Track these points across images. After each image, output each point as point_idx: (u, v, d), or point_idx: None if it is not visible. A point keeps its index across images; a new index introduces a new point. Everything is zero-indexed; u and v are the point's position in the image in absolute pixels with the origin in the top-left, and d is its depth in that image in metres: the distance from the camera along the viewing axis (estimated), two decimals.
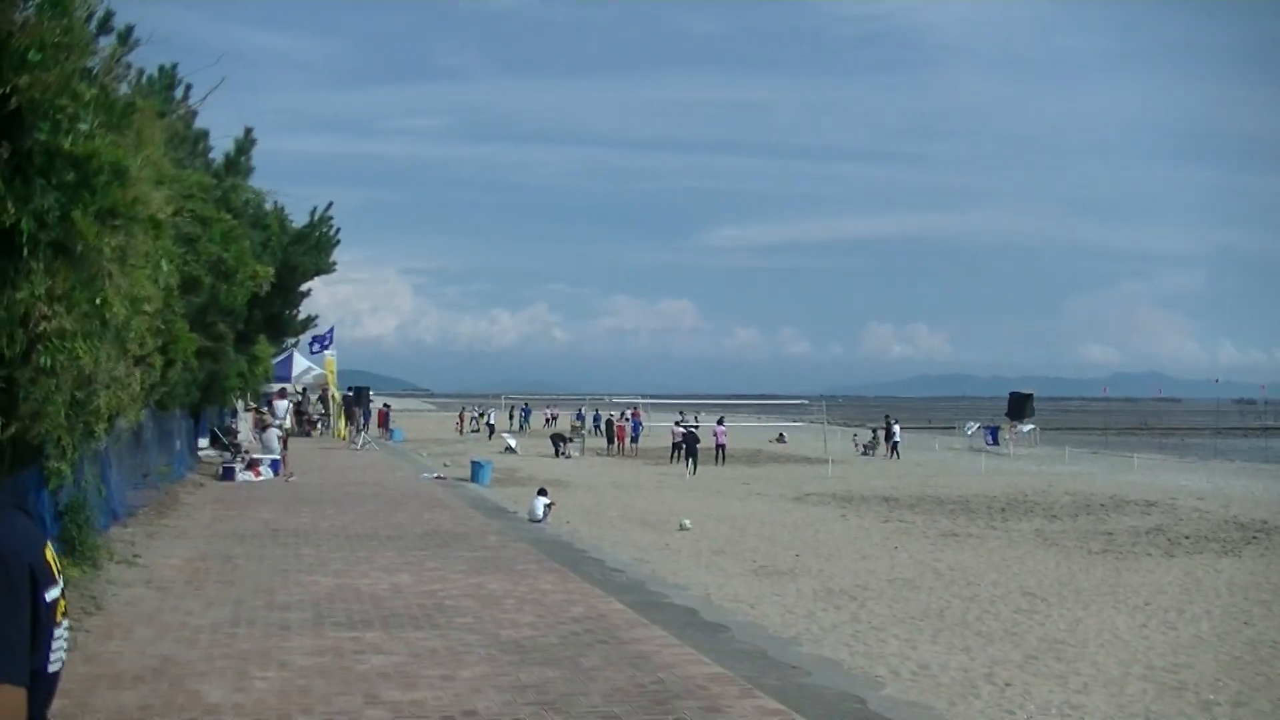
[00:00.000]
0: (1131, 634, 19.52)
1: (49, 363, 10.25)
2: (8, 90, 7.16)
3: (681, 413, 79.08)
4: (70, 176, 7.95)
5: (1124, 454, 74.61)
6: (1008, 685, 15.87)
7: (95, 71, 9.44)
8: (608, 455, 69.33)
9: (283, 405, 45.00)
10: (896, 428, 75.66)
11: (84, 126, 7.84)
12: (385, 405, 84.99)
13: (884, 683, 14.66)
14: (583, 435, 74.06)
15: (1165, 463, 70.92)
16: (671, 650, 13.03)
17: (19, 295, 8.61)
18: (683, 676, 11.70)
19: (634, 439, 72.94)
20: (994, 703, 14.94)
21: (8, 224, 7.36)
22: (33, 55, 7.29)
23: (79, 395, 13.08)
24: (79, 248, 8.79)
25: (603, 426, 79.25)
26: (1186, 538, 32.44)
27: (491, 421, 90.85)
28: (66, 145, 7.70)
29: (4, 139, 7.31)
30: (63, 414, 12.60)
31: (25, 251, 7.70)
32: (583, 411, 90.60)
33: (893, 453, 72.59)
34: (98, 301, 10.22)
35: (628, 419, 76.09)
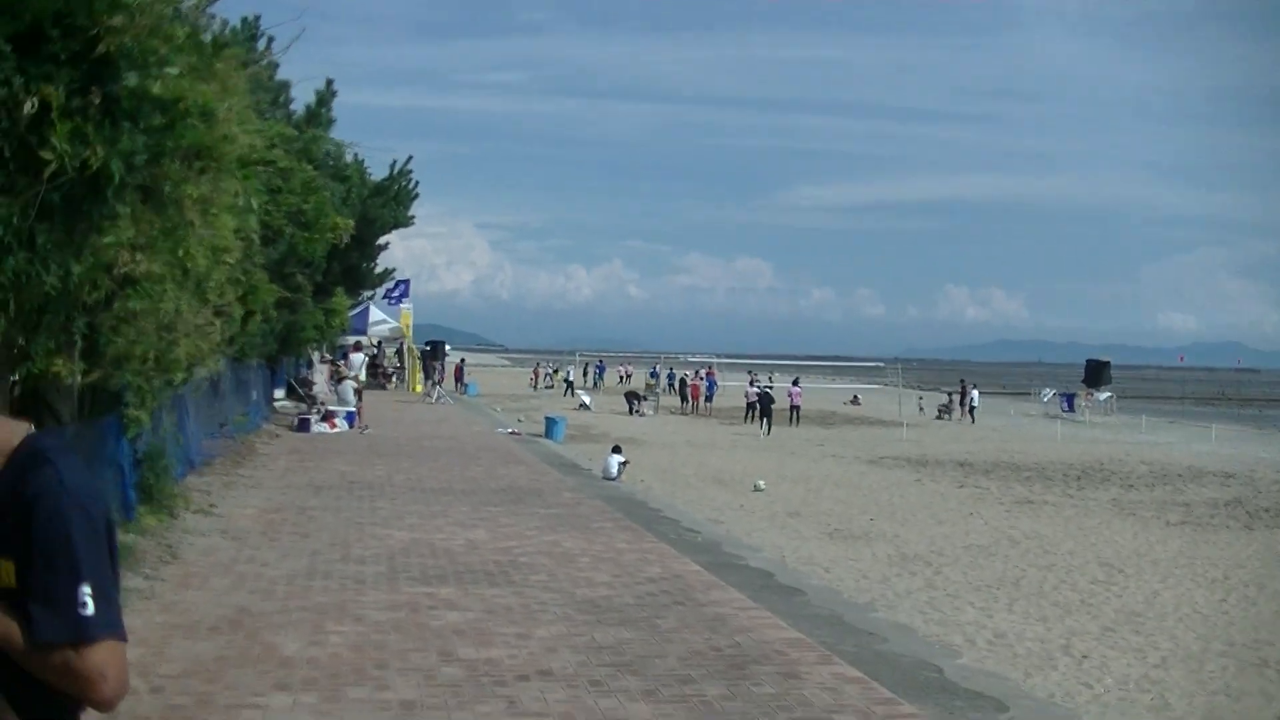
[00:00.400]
0: (1211, 608, 19.29)
1: (135, 307, 10.22)
2: (99, 32, 7.09)
3: (752, 373, 78.89)
4: (158, 120, 7.89)
5: (1202, 424, 73.88)
6: (1085, 657, 15.70)
7: (185, 14, 9.38)
8: (681, 414, 69.27)
9: (358, 358, 45.15)
10: (975, 392, 75.11)
11: (172, 70, 7.76)
12: (461, 360, 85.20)
13: (960, 651, 14.52)
14: (657, 393, 73.93)
15: (1244, 433, 70.24)
16: (748, 613, 12.93)
17: (105, 240, 8.56)
18: (760, 641, 11.59)
19: (708, 398, 72.86)
20: (1071, 674, 14.78)
21: (95, 167, 7.29)
22: None
23: (160, 343, 13.10)
24: (167, 191, 8.74)
25: (676, 385, 78.45)
26: (1266, 510, 32.06)
27: (570, 378, 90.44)
28: (155, 89, 7.63)
29: (93, 83, 7.25)
30: (149, 361, 12.63)
31: (112, 195, 7.65)
32: (657, 369, 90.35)
33: (969, 417, 72.13)
34: (180, 252, 10.20)
35: (702, 378, 76.01)
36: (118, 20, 7.09)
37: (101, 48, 7.15)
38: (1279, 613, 19.20)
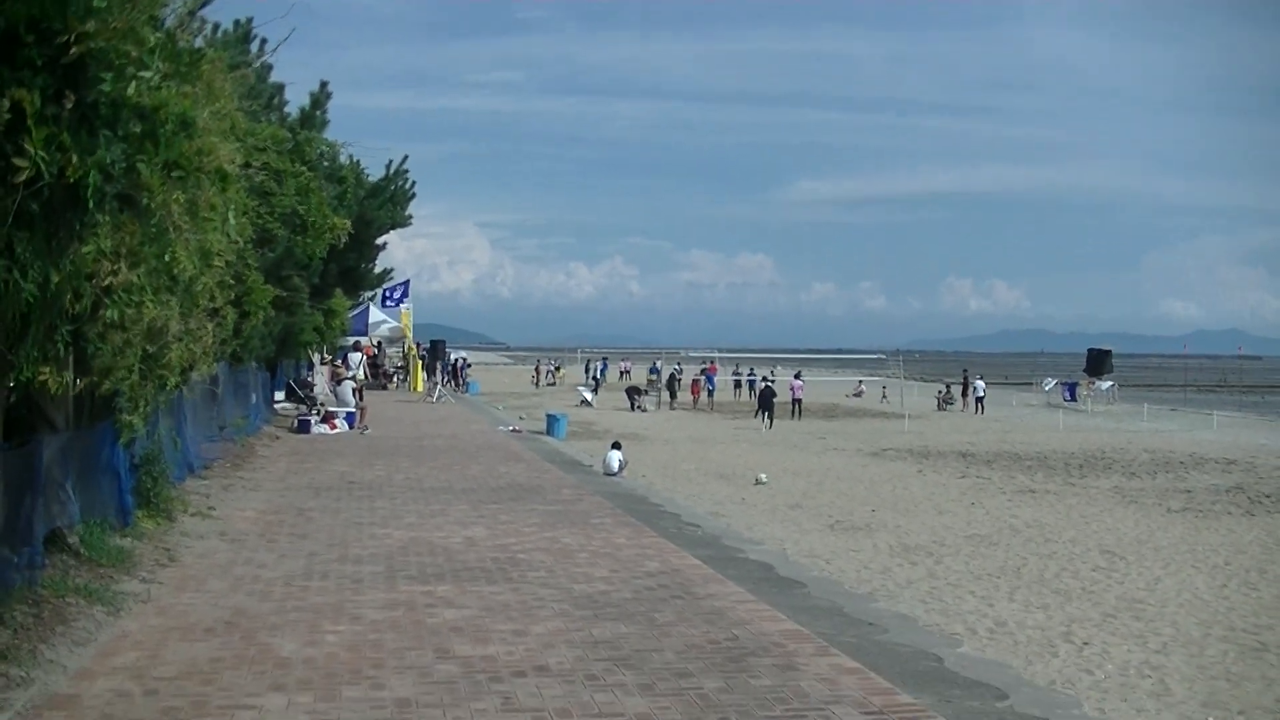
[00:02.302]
0: (1212, 594, 19.31)
1: (117, 316, 10.20)
2: (71, 37, 7.08)
3: (738, 366, 79.39)
4: (136, 128, 7.86)
5: (1204, 411, 74.01)
6: (1086, 644, 15.73)
7: (165, 22, 9.36)
8: (672, 409, 69.19)
9: (356, 357, 45.21)
10: (980, 383, 75.10)
11: (148, 74, 7.73)
12: (460, 359, 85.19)
13: (961, 640, 14.53)
14: (658, 389, 73.88)
15: (1245, 420, 70.29)
16: (747, 606, 12.92)
17: (85, 250, 8.55)
18: (758, 633, 11.58)
19: (709, 393, 73.06)
20: (1072, 661, 14.80)
21: (73, 178, 7.28)
22: (98, 1, 7.21)
23: (149, 349, 13.09)
24: (145, 201, 8.71)
25: (664, 382, 77.59)
26: (1267, 496, 32.12)
27: (598, 375, 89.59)
28: (132, 96, 7.61)
29: (68, 89, 7.24)
30: (135, 368, 12.61)
31: (91, 205, 7.62)
32: (658, 365, 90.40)
33: (977, 407, 72.13)
34: (165, 257, 10.16)
35: (705, 375, 76.22)
36: (90, 25, 7.07)
37: (75, 52, 7.13)
38: (1279, 598, 19.20)
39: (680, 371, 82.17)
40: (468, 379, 78.15)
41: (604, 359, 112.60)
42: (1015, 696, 9.90)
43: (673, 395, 72.94)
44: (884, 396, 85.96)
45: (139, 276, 9.98)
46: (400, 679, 9.69)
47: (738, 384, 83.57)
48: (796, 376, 67.31)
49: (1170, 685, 13.93)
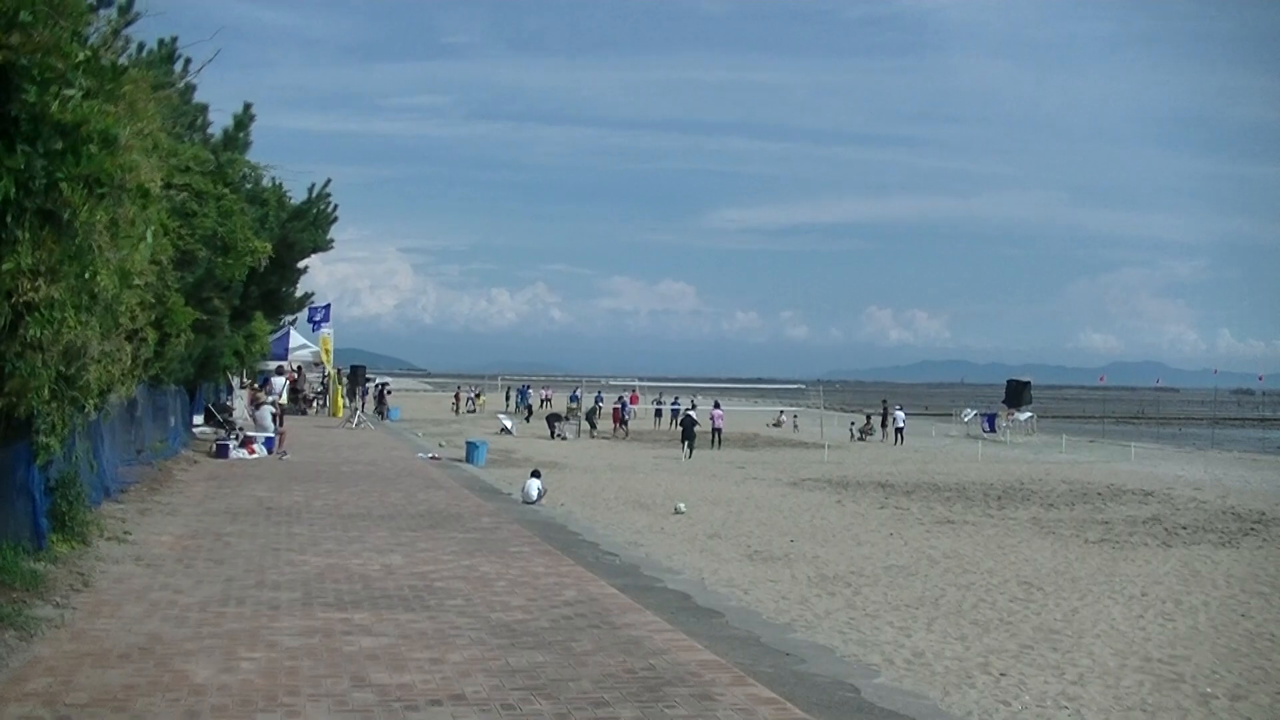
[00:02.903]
0: (1128, 624, 19.41)
1: (37, 334, 10.10)
2: None
3: (660, 395, 79.94)
4: (58, 144, 7.80)
5: (1121, 443, 74.69)
6: (1003, 675, 15.75)
7: (90, 39, 9.30)
8: (593, 437, 69.05)
9: (279, 382, 44.88)
10: (900, 413, 75.44)
11: (72, 91, 7.66)
12: (382, 385, 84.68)
13: (878, 670, 14.52)
14: (579, 417, 73.77)
15: (1162, 452, 70.91)
16: (664, 635, 12.92)
17: (4, 267, 8.46)
18: (675, 662, 11.58)
19: (623, 421, 73.29)
20: (989, 692, 14.82)
21: None
22: (24, 16, 7.15)
23: (67, 370, 12.95)
24: (67, 217, 8.64)
25: (584, 410, 76.82)
26: (1184, 528, 32.35)
27: (528, 405, 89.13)
28: (55, 111, 7.54)
29: None
30: (47, 389, 12.46)
31: (9, 219, 7.54)
32: (577, 393, 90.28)
33: (897, 438, 72.44)
34: (86, 274, 10.08)
35: (624, 403, 76.53)
36: (14, 38, 7.01)
37: None
38: (1195, 628, 19.34)
39: (601, 400, 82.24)
40: (389, 405, 77.85)
41: (524, 386, 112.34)
42: None
43: (592, 424, 72.78)
44: (795, 426, 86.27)
45: (59, 293, 9.89)
46: (316, 706, 9.62)
47: (658, 413, 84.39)
48: (716, 406, 67.44)
49: (1087, 716, 13.98)
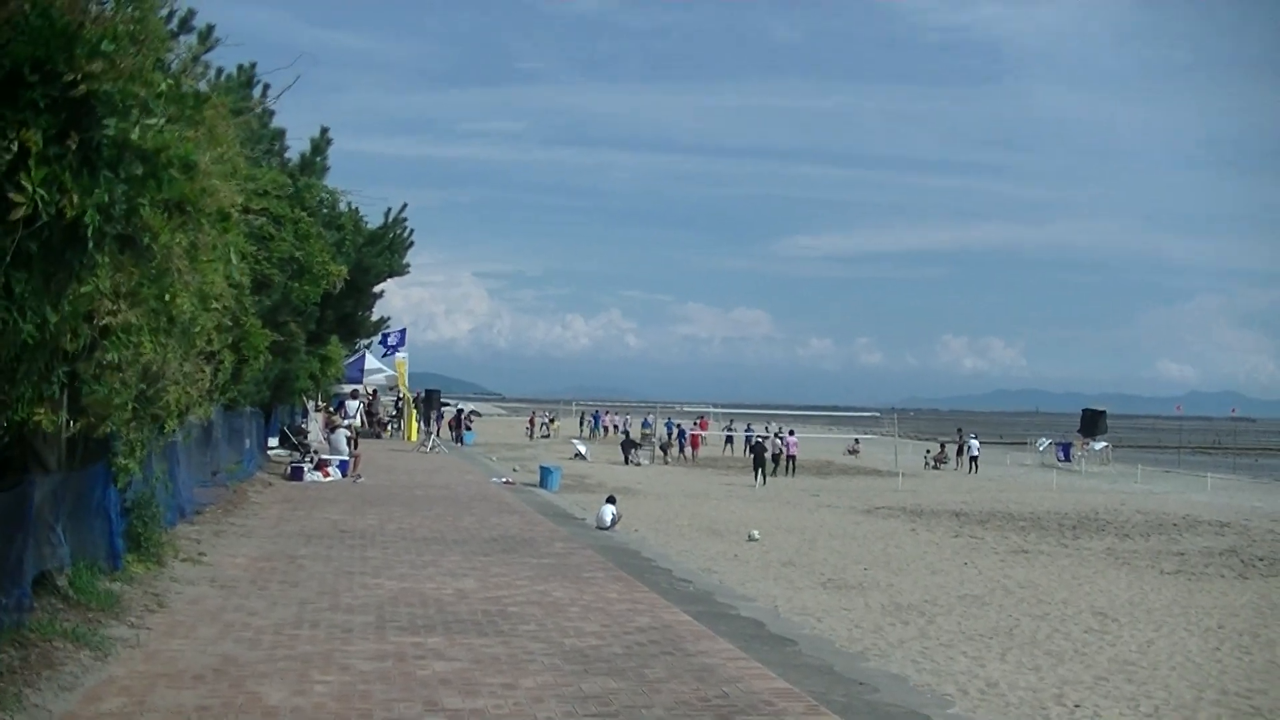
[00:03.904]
0: (1204, 657, 19.23)
1: (115, 356, 10.18)
2: (78, 78, 7.07)
3: (731, 422, 79.84)
4: (138, 170, 7.86)
5: (1198, 473, 73.95)
6: (1077, 706, 15.65)
7: (171, 66, 9.38)
8: (666, 464, 68.93)
9: (353, 405, 45.09)
10: (974, 441, 75.06)
11: (153, 121, 7.73)
12: (460, 409, 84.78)
13: (952, 701, 14.45)
14: (653, 443, 73.65)
15: (1239, 483, 70.24)
16: (737, 663, 12.85)
17: (83, 289, 8.53)
18: (748, 691, 11.52)
19: (680, 449, 73.19)
20: None
21: (71, 216, 7.26)
22: (106, 45, 7.22)
23: (146, 391, 13.05)
24: (146, 241, 8.71)
25: (659, 437, 77.23)
26: (1261, 559, 32.03)
27: (632, 432, 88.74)
28: (135, 138, 7.61)
29: (71, 129, 7.23)
30: (129, 410, 12.56)
31: (90, 245, 7.60)
32: (649, 419, 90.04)
33: (972, 466, 72.04)
34: (165, 298, 10.15)
35: (680, 431, 76.86)
36: (97, 66, 7.07)
37: (80, 92, 7.12)
38: (1272, 662, 19.13)
39: (675, 426, 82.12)
40: (465, 428, 77.97)
41: (596, 412, 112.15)
42: None
43: (665, 450, 72.68)
44: (855, 452, 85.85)
45: (137, 317, 9.97)
46: None
47: (728, 439, 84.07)
48: (791, 433, 67.30)
49: None
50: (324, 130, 37.09)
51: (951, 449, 77.80)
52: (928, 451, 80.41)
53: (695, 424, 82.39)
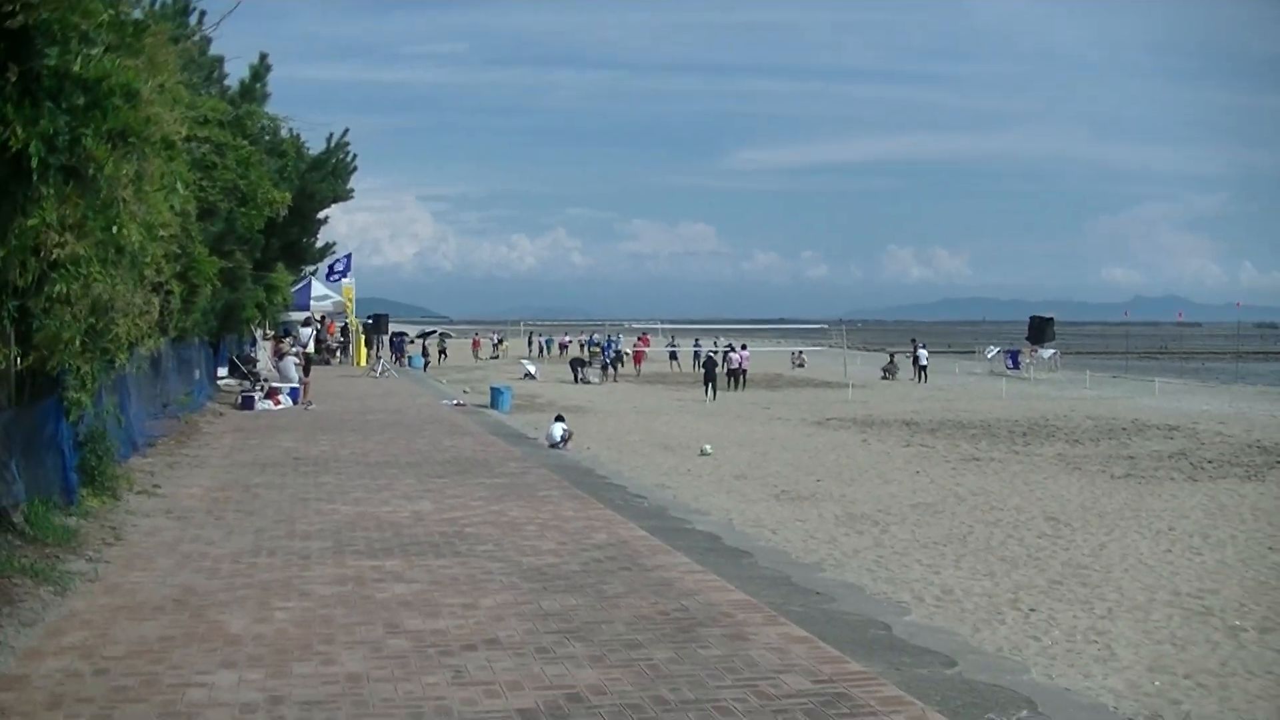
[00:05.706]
0: (1156, 559, 19.44)
1: (64, 290, 10.13)
2: (16, 7, 6.99)
3: (673, 337, 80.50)
4: (80, 100, 7.79)
5: (1145, 378, 74.60)
6: (1032, 610, 15.80)
7: None
8: (614, 381, 68.93)
9: (306, 332, 44.94)
10: (923, 351, 75.30)
11: (94, 51, 7.66)
12: (398, 334, 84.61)
13: (908, 608, 14.55)
14: (602, 361, 73.75)
15: (1186, 387, 70.82)
16: (695, 577, 12.94)
17: (30, 223, 8.47)
18: (706, 603, 11.61)
19: (616, 367, 73.46)
20: (1019, 628, 14.87)
21: (16, 149, 7.20)
22: None
23: (96, 324, 12.98)
24: (91, 172, 8.64)
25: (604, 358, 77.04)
26: (1209, 462, 32.36)
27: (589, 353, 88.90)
28: (77, 68, 7.54)
29: (11, 61, 7.16)
30: (79, 343, 12.50)
31: (35, 177, 7.54)
32: (595, 337, 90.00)
33: (920, 375, 72.33)
34: (113, 229, 10.08)
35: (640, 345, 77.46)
36: None
37: (18, 21, 7.05)
38: (1222, 562, 19.35)
39: (616, 343, 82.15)
40: (409, 353, 77.94)
41: (548, 337, 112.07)
42: (963, 663, 9.96)
43: (607, 369, 72.66)
44: (801, 364, 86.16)
45: (85, 249, 9.91)
46: (351, 654, 9.66)
47: (672, 355, 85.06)
48: (744, 348, 67.41)
49: (1116, 650, 14.02)
50: (263, 56, 36.83)
51: (905, 360, 78.09)
52: (884, 366, 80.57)
53: (637, 341, 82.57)
